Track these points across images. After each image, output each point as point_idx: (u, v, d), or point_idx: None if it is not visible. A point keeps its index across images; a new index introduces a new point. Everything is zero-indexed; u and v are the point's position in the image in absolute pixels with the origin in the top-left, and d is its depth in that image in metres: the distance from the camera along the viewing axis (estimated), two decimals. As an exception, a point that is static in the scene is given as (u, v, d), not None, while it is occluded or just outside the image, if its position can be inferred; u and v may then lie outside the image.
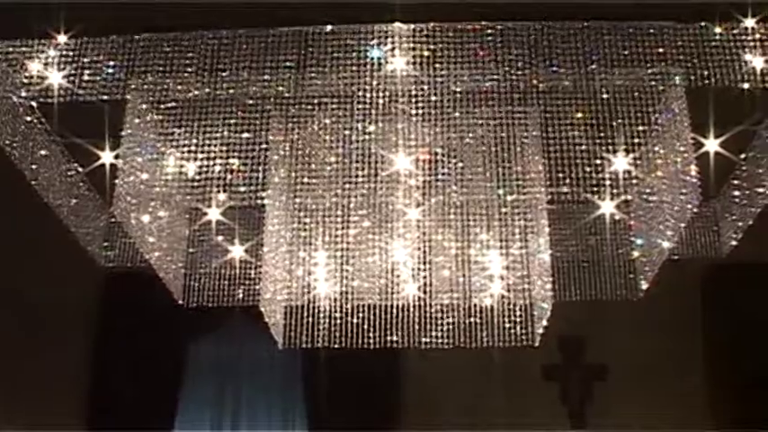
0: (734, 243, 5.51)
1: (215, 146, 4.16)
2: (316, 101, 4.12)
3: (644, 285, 5.08)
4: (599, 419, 8.26)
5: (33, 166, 4.78)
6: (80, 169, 5.11)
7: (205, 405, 8.31)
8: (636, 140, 4.20)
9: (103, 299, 8.40)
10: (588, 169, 4.13)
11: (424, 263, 4.29)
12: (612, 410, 8.27)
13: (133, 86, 4.20)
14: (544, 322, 4.32)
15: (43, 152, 4.83)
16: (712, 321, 8.35)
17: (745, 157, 5.14)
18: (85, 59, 4.12)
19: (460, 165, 4.18)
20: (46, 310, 8.45)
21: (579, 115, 4.13)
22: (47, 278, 8.49)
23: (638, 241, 4.97)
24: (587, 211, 4.84)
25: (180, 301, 5.00)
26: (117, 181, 4.30)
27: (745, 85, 4.05)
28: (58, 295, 8.48)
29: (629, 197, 4.59)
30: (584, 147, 4.11)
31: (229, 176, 4.19)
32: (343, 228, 4.21)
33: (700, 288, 8.44)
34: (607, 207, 4.64)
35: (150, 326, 8.09)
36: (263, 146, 4.14)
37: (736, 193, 5.35)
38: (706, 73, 4.04)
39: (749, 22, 4.04)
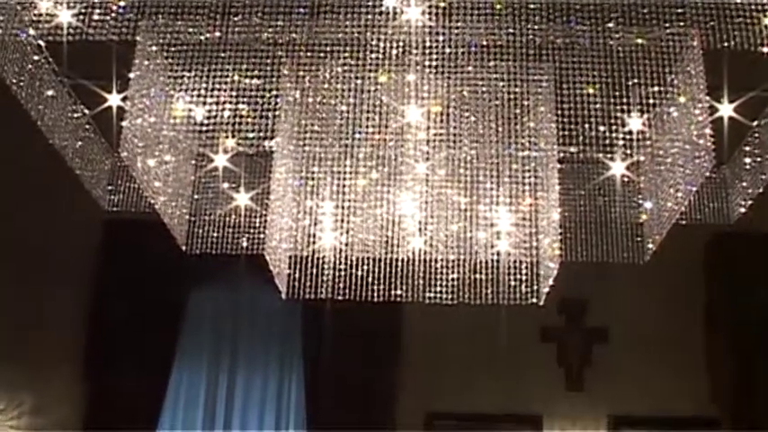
0: (742, 210, 5.48)
1: (224, 91, 4.12)
2: (328, 49, 4.07)
3: (650, 249, 5.05)
4: (597, 383, 8.28)
5: (40, 107, 4.74)
6: (87, 111, 5.07)
7: (203, 352, 8.33)
8: (650, 101, 4.16)
9: (106, 244, 8.38)
10: (601, 129, 4.09)
11: (431, 217, 4.25)
12: (611, 374, 8.29)
13: (143, 28, 4.14)
14: (550, 281, 4.29)
15: (50, 92, 4.78)
16: (715, 289, 8.34)
17: (758, 123, 5.10)
18: (96, -2, 4.06)
19: (472, 119, 4.13)
20: (48, 254, 8.46)
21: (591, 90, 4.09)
22: (49, 222, 8.50)
23: (647, 204, 4.93)
24: (597, 171, 4.80)
25: (183, 248, 4.97)
26: (124, 123, 4.25)
27: (765, 50, 3.99)
28: (60, 239, 8.49)
29: (641, 158, 4.55)
30: (597, 105, 4.06)
31: (238, 122, 4.14)
32: (350, 178, 4.17)
33: (704, 254, 8.43)
34: (618, 168, 4.61)
35: (152, 273, 8.09)
36: (273, 92, 4.10)
37: (747, 159, 5.31)
38: (724, 35, 3.99)
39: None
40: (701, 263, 8.44)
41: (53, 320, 8.32)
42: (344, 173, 4.16)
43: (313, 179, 4.23)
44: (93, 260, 8.40)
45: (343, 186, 4.17)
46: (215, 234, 4.97)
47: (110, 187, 5.42)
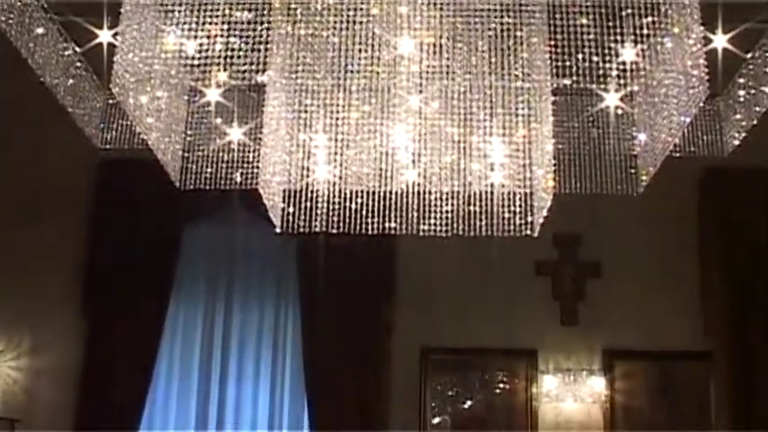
0: (736, 142, 5.48)
1: (216, 24, 4.08)
2: (319, -21, 4.03)
3: (644, 181, 5.06)
4: (591, 317, 8.34)
5: (30, 45, 4.70)
6: (77, 48, 5.03)
7: (199, 287, 8.37)
8: (644, 31, 4.13)
9: (100, 183, 8.38)
10: (595, 59, 4.06)
11: (425, 149, 4.23)
12: (605, 308, 8.34)
13: (133, -40, 4.09)
14: (544, 213, 4.29)
15: (40, 30, 4.74)
16: (709, 222, 8.36)
17: (753, 55, 5.08)
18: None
19: (465, 50, 4.10)
20: (44, 194, 8.46)
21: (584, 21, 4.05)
22: (43, 162, 8.49)
23: (641, 136, 4.92)
24: (591, 102, 4.79)
25: (177, 184, 4.96)
26: (115, 59, 4.21)
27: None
28: (54, 179, 8.48)
29: (635, 89, 4.53)
30: (591, 36, 4.03)
31: (230, 56, 4.11)
32: (343, 111, 4.15)
33: (698, 188, 8.44)
34: (611, 99, 4.59)
35: (146, 210, 8.10)
36: (265, 25, 4.06)
37: (742, 92, 5.30)
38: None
39: None
40: (695, 197, 8.45)
41: (50, 260, 8.36)
42: (337, 106, 4.13)
43: (306, 112, 4.20)
44: (88, 199, 8.40)
45: (337, 119, 4.14)
46: (208, 170, 4.96)
47: (102, 125, 5.40)
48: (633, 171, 5.07)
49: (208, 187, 5.00)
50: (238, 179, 4.88)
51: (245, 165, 4.88)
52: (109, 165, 8.24)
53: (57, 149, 8.36)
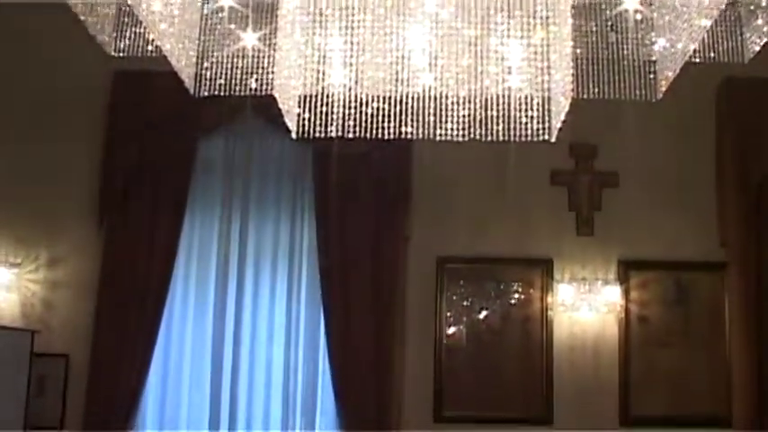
0: (756, 48, 5.39)
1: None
2: None
3: (662, 87, 4.99)
4: (607, 227, 8.34)
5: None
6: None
7: (215, 198, 8.37)
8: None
9: (114, 95, 8.36)
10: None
11: (441, 51, 4.17)
12: (621, 218, 8.33)
13: None
14: (561, 117, 4.25)
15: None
16: (726, 132, 8.31)
17: (776, -43, 4.98)
18: None
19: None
20: (58, 108, 8.46)
21: None
22: (57, 76, 8.47)
23: (660, 41, 4.85)
24: (610, 6, 4.71)
25: (192, 91, 4.92)
26: (128, -37, 4.15)
27: None
28: (69, 93, 8.48)
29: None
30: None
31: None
32: (359, 14, 4.08)
33: (716, 97, 8.37)
34: (631, 2, 4.52)
35: (161, 122, 8.09)
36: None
37: (764, -4, 5.20)
38: None
39: None
40: (713, 106, 8.38)
41: (66, 174, 8.39)
42: (353, 8, 4.07)
43: (321, 15, 4.14)
44: (102, 113, 8.40)
45: (352, 22, 4.08)
46: (223, 77, 4.91)
47: (115, 33, 5.34)
48: (652, 76, 5.00)
49: (223, 94, 4.95)
50: (253, 85, 4.83)
51: (260, 71, 4.83)
52: (123, 78, 8.22)
53: (71, 65, 8.33)
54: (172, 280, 8.09)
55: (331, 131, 4.39)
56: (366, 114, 4.37)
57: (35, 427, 7.64)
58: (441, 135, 4.39)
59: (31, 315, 8.19)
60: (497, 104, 4.28)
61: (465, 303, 8.22)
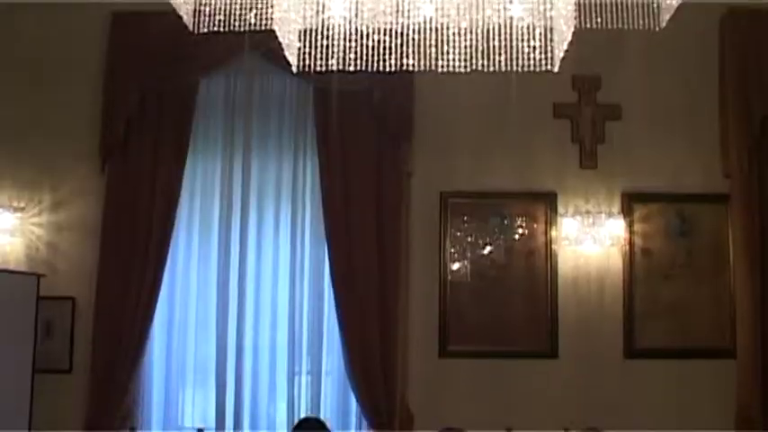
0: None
1: None
2: None
3: (666, 16, 4.93)
4: (610, 160, 8.31)
5: None
6: None
7: (217, 137, 8.35)
8: None
9: (112, 38, 8.30)
10: None
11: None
12: (624, 151, 8.31)
13: None
14: (564, 46, 4.21)
15: None
16: (729, 64, 8.24)
17: None
18: None
19: None
20: (57, 52, 8.42)
21: None
22: (56, 20, 8.42)
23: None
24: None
25: (191, 27, 4.87)
26: None
27: None
28: (67, 36, 8.43)
29: None
30: None
31: None
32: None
33: (719, 28, 8.30)
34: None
35: (161, 62, 8.05)
36: None
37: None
38: None
39: None
40: (716, 37, 8.31)
41: (67, 117, 8.37)
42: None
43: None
44: (102, 56, 8.35)
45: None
46: (222, 13, 4.85)
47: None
48: (655, 5, 4.93)
49: (222, 30, 4.90)
50: (252, 20, 4.78)
51: (260, 5, 4.77)
52: (122, 20, 8.16)
53: (70, 8, 8.26)
54: (175, 221, 8.07)
55: (332, 65, 4.36)
56: (367, 47, 4.33)
57: (44, 370, 7.69)
58: (442, 66, 4.36)
59: (35, 259, 8.21)
60: (499, 34, 4.24)
61: (469, 239, 8.22)
